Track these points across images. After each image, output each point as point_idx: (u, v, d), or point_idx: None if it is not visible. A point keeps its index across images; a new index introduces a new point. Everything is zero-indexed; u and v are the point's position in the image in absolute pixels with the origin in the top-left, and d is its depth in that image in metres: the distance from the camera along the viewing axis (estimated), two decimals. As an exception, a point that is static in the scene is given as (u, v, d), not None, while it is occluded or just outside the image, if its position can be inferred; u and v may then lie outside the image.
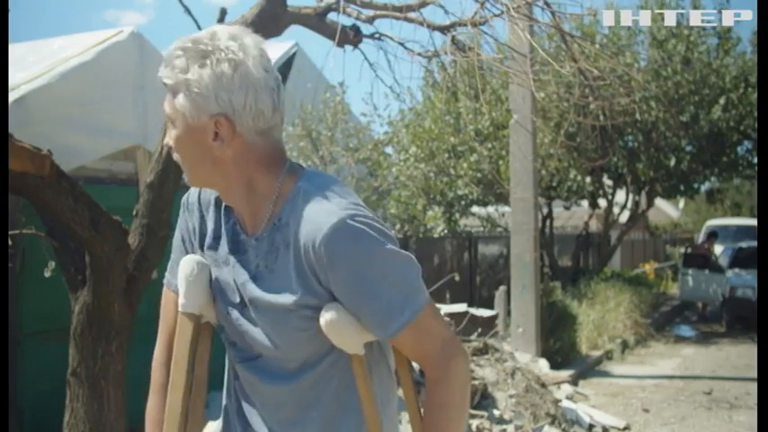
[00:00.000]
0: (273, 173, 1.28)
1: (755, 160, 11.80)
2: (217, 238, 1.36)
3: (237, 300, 1.33)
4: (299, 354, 1.31)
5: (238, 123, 1.23)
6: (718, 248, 13.63)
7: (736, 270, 11.59)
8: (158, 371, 1.44)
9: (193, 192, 1.41)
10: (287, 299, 1.26)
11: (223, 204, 1.36)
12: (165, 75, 1.25)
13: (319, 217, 1.21)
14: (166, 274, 1.45)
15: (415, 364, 1.42)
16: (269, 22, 3.28)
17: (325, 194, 1.25)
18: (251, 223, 1.32)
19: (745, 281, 11.09)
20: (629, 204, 13.34)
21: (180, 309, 1.37)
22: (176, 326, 1.40)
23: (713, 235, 13.72)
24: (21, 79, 4.02)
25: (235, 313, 1.34)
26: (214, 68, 1.21)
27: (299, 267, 1.25)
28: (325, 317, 1.25)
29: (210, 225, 1.37)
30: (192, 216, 1.41)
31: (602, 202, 13.10)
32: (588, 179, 11.85)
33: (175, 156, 1.31)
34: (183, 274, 1.35)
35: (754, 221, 15.31)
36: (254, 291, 1.29)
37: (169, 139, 1.30)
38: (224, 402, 1.45)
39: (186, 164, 1.29)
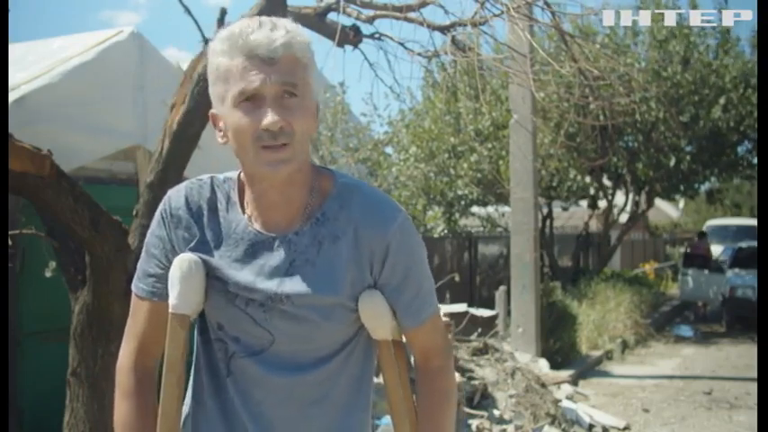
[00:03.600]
0: (311, 168, 1.33)
1: (755, 160, 11.80)
2: (222, 240, 1.33)
3: (261, 297, 1.30)
4: (318, 346, 1.32)
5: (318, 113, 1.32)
6: (717, 248, 13.64)
7: (736, 270, 11.59)
8: (127, 376, 1.39)
9: (175, 201, 1.36)
10: (334, 291, 1.29)
11: (223, 207, 1.34)
12: (300, 48, 1.24)
13: (387, 209, 1.32)
14: (135, 281, 1.40)
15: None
16: (269, 22, 3.27)
17: (376, 192, 1.36)
18: (284, 217, 1.31)
19: (745, 281, 11.09)
20: (629, 204, 13.34)
21: (171, 310, 1.33)
22: (148, 329, 1.37)
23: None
24: (21, 79, 4.02)
25: (251, 310, 1.31)
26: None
27: (354, 258, 1.30)
28: (367, 300, 1.32)
29: (211, 229, 1.34)
30: (178, 225, 1.35)
31: (602, 203, 13.10)
32: (588, 179, 11.85)
33: (296, 124, 1.22)
34: (177, 274, 1.31)
35: (754, 221, 15.32)
36: (291, 287, 1.29)
37: (283, 112, 1.21)
38: (188, 406, 1.41)
39: (301, 138, 1.24)
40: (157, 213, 1.38)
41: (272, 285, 1.29)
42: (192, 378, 1.42)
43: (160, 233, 1.36)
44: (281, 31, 1.22)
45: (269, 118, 1.20)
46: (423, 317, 1.36)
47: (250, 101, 1.21)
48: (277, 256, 1.30)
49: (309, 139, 1.29)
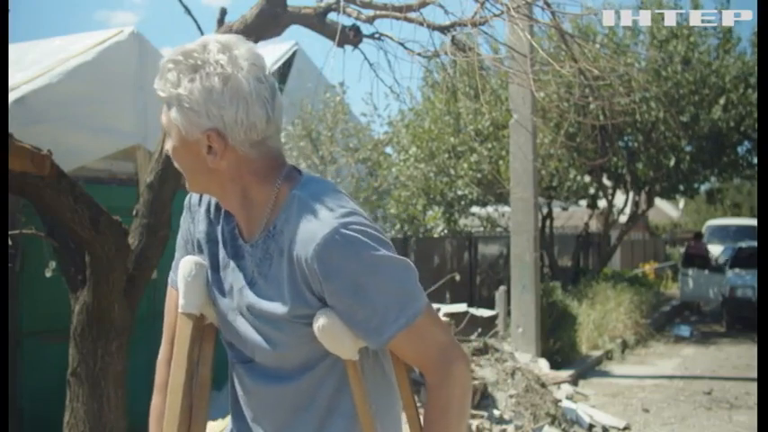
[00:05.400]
0: (269, 181, 1.29)
1: (755, 160, 11.80)
2: (216, 241, 1.38)
3: (235, 304, 1.34)
4: (294, 358, 1.31)
5: (230, 137, 1.23)
6: (717, 248, 13.65)
7: (737, 270, 11.59)
8: (162, 369, 1.45)
9: (194, 196, 1.43)
10: (279, 308, 1.27)
11: (223, 209, 1.38)
12: (159, 87, 1.27)
13: (312, 227, 1.21)
14: (171, 273, 1.46)
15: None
16: (269, 22, 3.28)
17: (318, 203, 1.24)
18: (247, 229, 1.33)
19: (745, 281, 11.09)
20: (629, 204, 13.35)
21: (179, 309, 1.38)
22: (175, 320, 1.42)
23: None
24: (21, 79, 4.02)
25: (232, 316, 1.35)
26: (204, 83, 1.21)
27: (291, 276, 1.25)
28: (319, 323, 1.24)
29: (211, 228, 1.39)
30: (194, 218, 1.42)
31: (602, 203, 13.11)
32: (588, 179, 11.84)
33: (175, 163, 1.33)
34: (181, 274, 1.37)
35: (754, 221, 15.33)
36: (249, 297, 1.31)
37: (168, 148, 1.33)
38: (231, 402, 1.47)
39: (184, 172, 1.32)
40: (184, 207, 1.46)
41: (237, 293, 1.33)
42: None
43: (183, 225, 1.45)
44: (158, 75, 1.27)
45: None
46: (386, 335, 1.23)
47: None
48: (244, 265, 1.33)
49: (205, 169, 1.27)
